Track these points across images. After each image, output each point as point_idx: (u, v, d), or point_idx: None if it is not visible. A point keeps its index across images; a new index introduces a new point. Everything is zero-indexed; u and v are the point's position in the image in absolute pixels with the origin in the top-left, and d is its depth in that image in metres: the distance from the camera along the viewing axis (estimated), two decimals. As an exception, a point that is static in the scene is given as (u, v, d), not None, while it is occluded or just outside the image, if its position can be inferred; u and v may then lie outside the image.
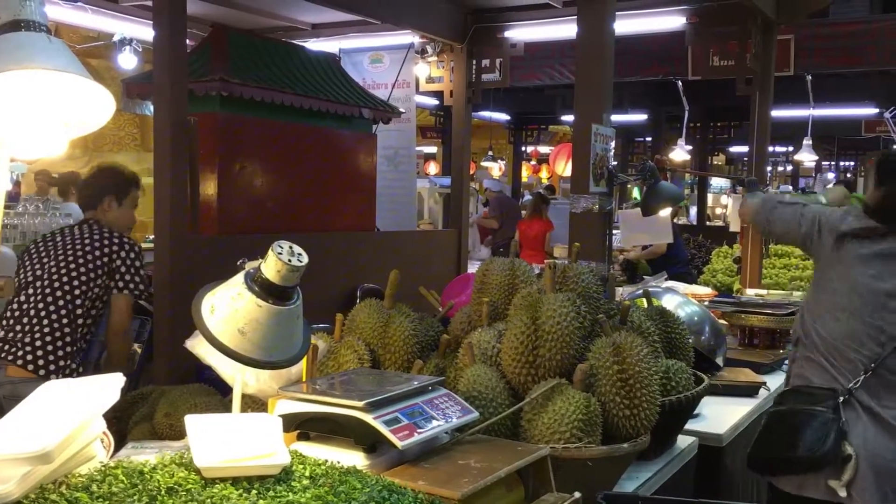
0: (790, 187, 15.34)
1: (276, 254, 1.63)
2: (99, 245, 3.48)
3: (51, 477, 1.46)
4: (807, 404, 2.61)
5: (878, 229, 2.65)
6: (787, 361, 3.96)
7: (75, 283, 3.41)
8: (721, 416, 3.11)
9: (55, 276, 3.41)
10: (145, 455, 1.74)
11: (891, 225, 2.65)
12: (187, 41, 3.80)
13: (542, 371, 2.18)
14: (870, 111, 12.81)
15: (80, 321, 3.41)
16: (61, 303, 3.38)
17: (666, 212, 4.33)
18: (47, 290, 3.39)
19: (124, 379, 1.61)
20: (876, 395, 2.59)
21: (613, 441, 2.14)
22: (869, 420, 2.58)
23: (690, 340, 2.79)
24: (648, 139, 17.78)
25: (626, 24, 5.11)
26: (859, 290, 2.64)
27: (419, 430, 1.79)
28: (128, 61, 6.61)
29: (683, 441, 2.73)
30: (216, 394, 2.40)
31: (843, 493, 2.53)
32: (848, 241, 2.68)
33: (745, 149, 19.23)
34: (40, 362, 3.30)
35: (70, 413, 1.50)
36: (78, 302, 3.40)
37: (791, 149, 19.46)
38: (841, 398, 2.58)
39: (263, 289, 1.64)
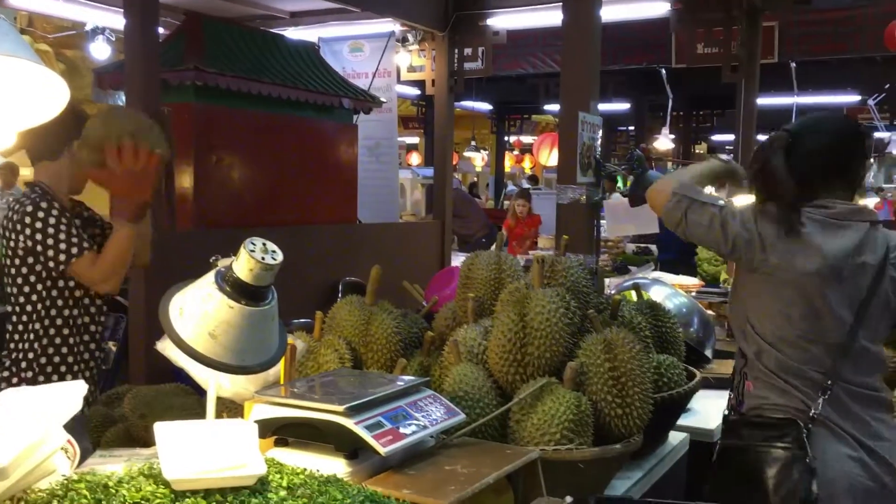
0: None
1: (249, 251, 1.52)
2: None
3: (7, 493, 1.37)
4: (767, 440, 2.14)
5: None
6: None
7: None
8: (711, 410, 3.04)
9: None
10: (113, 465, 1.64)
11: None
12: (160, 30, 3.71)
13: (531, 369, 2.09)
14: (853, 98, 12.84)
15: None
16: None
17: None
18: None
19: (86, 387, 1.50)
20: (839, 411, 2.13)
21: (605, 441, 2.06)
22: (839, 441, 2.11)
23: (681, 333, 2.71)
24: (631, 128, 17.76)
25: (610, 11, 5.03)
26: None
27: (403, 435, 1.70)
28: (101, 51, 6.47)
29: (675, 437, 2.66)
30: (193, 394, 2.30)
31: None
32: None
33: (727, 137, 19.33)
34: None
35: (27, 425, 1.40)
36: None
37: (774, 137, 19.47)
38: (805, 429, 2.09)
39: (235, 289, 1.54)
